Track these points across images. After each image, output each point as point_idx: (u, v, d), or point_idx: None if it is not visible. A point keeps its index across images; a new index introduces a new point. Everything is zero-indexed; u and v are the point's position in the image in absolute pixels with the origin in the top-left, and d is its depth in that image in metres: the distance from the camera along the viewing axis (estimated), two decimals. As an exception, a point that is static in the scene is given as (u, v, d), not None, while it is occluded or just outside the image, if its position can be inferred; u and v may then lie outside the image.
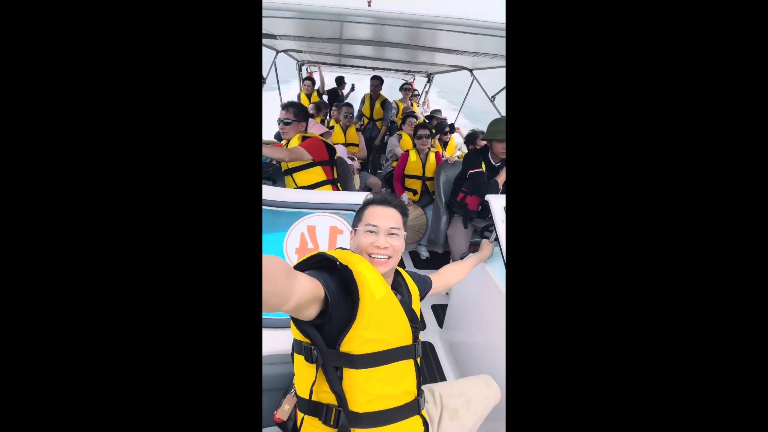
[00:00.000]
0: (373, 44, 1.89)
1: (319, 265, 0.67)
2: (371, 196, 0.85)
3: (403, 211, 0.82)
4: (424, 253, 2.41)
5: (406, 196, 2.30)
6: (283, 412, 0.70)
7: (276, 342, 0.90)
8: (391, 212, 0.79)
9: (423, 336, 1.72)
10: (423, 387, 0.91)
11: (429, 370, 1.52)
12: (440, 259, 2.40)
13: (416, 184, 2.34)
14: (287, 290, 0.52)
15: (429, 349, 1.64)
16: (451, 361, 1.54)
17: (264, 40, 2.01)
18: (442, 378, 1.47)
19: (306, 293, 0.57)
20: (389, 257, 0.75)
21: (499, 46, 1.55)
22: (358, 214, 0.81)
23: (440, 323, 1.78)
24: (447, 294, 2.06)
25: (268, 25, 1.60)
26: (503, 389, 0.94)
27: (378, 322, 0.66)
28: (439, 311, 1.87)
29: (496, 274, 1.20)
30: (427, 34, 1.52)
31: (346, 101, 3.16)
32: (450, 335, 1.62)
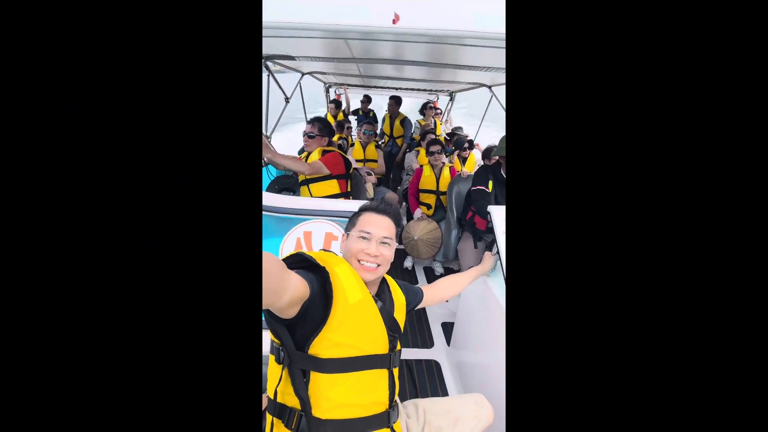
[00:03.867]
0: (397, 63, 1.93)
1: (299, 265, 0.68)
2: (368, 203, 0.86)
3: (397, 222, 0.82)
4: (439, 269, 2.35)
5: (419, 211, 2.29)
6: None
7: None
8: (386, 221, 0.79)
9: (430, 354, 1.66)
10: (408, 402, 0.88)
11: (433, 391, 1.45)
12: (455, 276, 2.33)
13: (430, 199, 2.32)
14: (282, 287, 0.53)
15: (435, 367, 1.58)
16: (457, 382, 1.46)
17: (288, 63, 2.16)
18: (446, 399, 1.40)
19: (298, 291, 0.58)
20: (378, 265, 0.75)
21: None
22: (352, 219, 0.82)
23: (449, 341, 1.71)
24: (447, 301, 1.99)
25: (289, 48, 1.71)
26: (502, 408, 0.88)
27: (349, 327, 0.66)
28: (449, 328, 1.80)
29: (498, 288, 1.14)
30: (449, 51, 1.53)
31: (367, 119, 3.25)
32: (456, 354, 1.55)
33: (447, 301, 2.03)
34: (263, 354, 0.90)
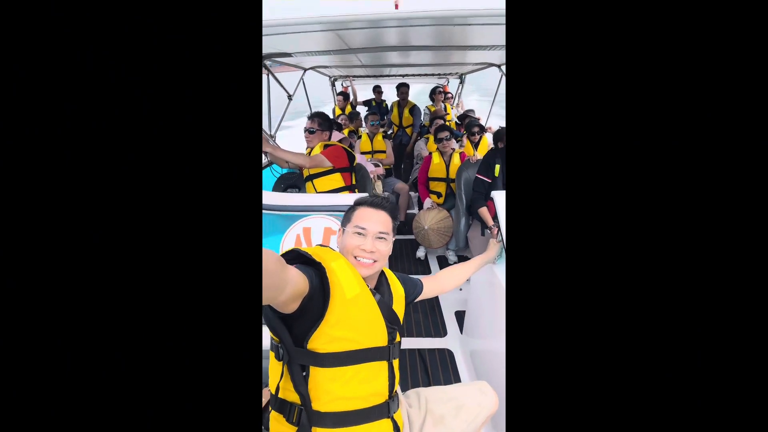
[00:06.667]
0: (403, 49, 1.88)
1: (296, 262, 0.68)
2: (363, 196, 0.86)
3: (393, 215, 0.81)
4: (452, 258, 2.32)
5: (429, 200, 2.26)
6: None
7: None
8: (382, 216, 0.78)
9: (443, 343, 1.66)
10: (410, 391, 0.88)
11: (446, 380, 1.45)
12: (469, 263, 2.29)
13: (441, 187, 2.28)
14: (282, 282, 0.54)
15: (448, 356, 1.57)
16: (470, 370, 1.45)
17: (288, 60, 2.16)
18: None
19: (299, 286, 0.59)
20: (374, 261, 0.74)
21: None
22: (347, 214, 0.81)
23: (462, 329, 1.70)
24: (461, 289, 1.97)
25: (286, 45, 1.71)
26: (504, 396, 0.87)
27: (347, 321, 0.66)
28: (462, 317, 1.79)
29: (503, 274, 1.11)
30: (456, 32, 1.47)
31: (371, 110, 3.22)
32: (468, 342, 1.54)
33: (461, 289, 2.01)
34: (263, 348, 0.94)
